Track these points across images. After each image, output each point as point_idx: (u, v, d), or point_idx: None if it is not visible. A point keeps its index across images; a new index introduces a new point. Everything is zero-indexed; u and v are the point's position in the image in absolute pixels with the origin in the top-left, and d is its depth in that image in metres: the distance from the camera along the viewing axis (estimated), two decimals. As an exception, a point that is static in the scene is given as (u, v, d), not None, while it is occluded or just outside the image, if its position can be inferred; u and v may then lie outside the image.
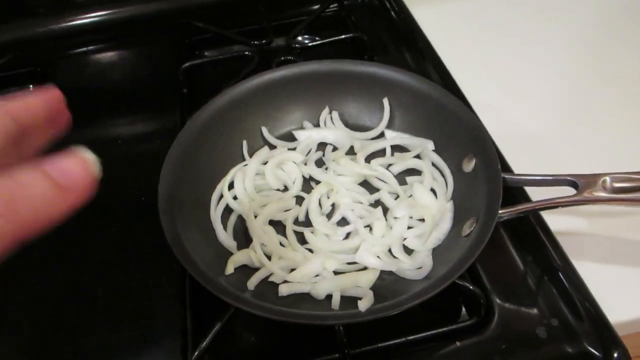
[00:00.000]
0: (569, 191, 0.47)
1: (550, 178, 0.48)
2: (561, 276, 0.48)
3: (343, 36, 0.75)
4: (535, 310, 0.47)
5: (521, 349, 0.45)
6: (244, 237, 0.52)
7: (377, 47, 0.75)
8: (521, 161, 0.57)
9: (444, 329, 0.47)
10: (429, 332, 0.46)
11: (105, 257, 0.55)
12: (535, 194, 0.53)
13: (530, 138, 0.63)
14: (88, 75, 0.77)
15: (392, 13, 0.81)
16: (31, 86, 0.75)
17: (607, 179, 0.46)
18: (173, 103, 0.69)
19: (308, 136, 0.59)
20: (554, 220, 0.51)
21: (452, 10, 0.82)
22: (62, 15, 0.81)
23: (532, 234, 0.51)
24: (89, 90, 0.75)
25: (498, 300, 0.48)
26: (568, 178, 0.47)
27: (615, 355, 0.43)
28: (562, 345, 0.45)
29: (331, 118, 0.60)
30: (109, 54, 0.81)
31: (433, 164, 0.56)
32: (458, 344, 0.46)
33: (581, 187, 0.46)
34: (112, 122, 0.70)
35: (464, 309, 0.49)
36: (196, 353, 0.45)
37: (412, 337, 0.46)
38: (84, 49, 0.81)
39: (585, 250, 0.51)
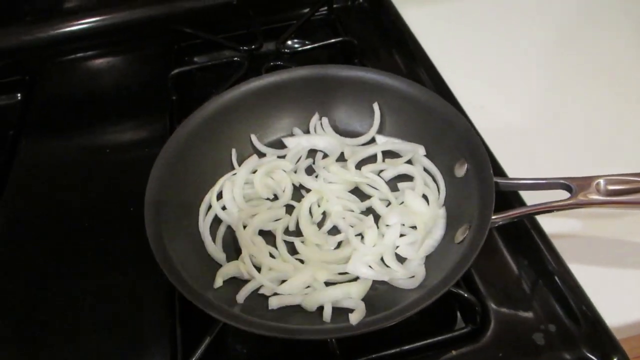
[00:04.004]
0: (563, 194, 0.46)
1: (544, 182, 0.48)
2: (557, 280, 0.48)
3: (333, 40, 0.74)
4: (531, 316, 0.47)
5: (518, 357, 0.44)
6: (233, 249, 0.51)
7: (367, 50, 0.74)
8: (514, 161, 0.56)
9: (440, 337, 0.46)
10: (425, 342, 0.45)
11: (93, 266, 0.54)
12: (529, 197, 0.52)
13: (523, 138, 0.62)
14: (76, 83, 0.76)
15: (382, 16, 0.81)
16: (19, 95, 0.75)
17: (601, 181, 0.45)
18: (162, 110, 0.69)
19: (298, 143, 0.58)
20: (548, 223, 0.51)
21: (443, 11, 0.81)
22: (49, 23, 0.80)
23: (526, 238, 0.51)
24: (77, 97, 0.74)
25: (494, 307, 0.47)
26: (562, 181, 0.46)
27: (615, 360, 0.42)
28: (560, 351, 0.44)
29: (321, 124, 0.60)
30: (98, 61, 0.80)
31: (425, 170, 0.55)
32: (454, 352, 0.45)
33: (575, 190, 0.45)
34: (100, 129, 0.69)
35: (459, 316, 0.48)
36: (186, 366, 0.44)
37: (407, 347, 0.45)
38: (72, 56, 0.80)
39: (580, 253, 0.51)
